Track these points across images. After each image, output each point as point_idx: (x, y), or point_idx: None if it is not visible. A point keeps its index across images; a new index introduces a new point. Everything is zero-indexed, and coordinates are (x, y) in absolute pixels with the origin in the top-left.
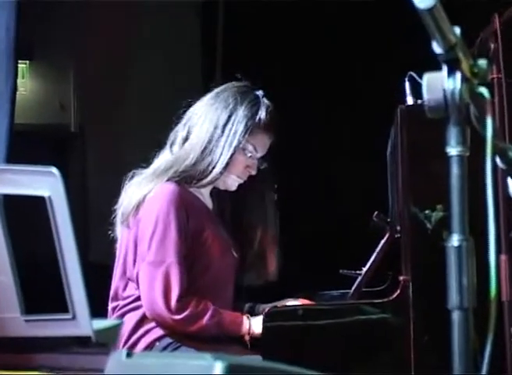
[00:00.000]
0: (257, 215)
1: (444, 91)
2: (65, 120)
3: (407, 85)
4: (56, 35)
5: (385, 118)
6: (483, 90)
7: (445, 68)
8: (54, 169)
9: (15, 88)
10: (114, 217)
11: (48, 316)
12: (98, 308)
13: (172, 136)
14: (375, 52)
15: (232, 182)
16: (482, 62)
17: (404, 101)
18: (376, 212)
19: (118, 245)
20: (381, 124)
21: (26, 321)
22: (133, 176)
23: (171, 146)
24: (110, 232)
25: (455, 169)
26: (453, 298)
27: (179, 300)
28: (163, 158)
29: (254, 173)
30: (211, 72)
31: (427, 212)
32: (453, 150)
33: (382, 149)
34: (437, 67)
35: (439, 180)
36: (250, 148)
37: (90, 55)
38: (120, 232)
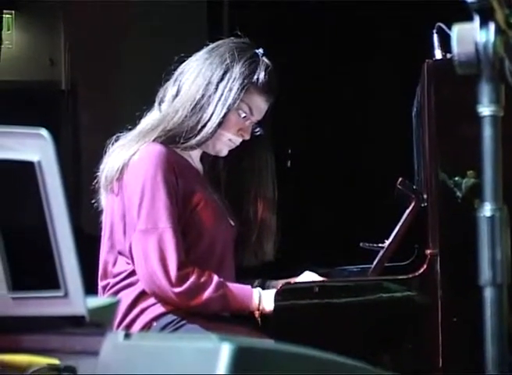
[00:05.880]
0: (253, 183)
1: (476, 43)
2: (56, 77)
3: (435, 37)
4: None
5: (410, 74)
6: None
7: (477, 18)
8: (43, 131)
9: None
10: (96, 183)
11: (37, 293)
12: (93, 285)
13: (160, 93)
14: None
15: (222, 146)
16: None
17: (432, 55)
18: (400, 179)
19: (103, 215)
20: (406, 81)
21: (14, 299)
22: (117, 140)
23: (159, 104)
24: (94, 201)
25: (488, 131)
26: (486, 273)
27: (179, 269)
28: (150, 118)
29: (247, 137)
30: (218, 23)
31: (457, 178)
32: (485, 109)
33: (407, 109)
34: (468, 17)
35: (470, 144)
36: (246, 108)
37: (83, 3)
38: (105, 200)
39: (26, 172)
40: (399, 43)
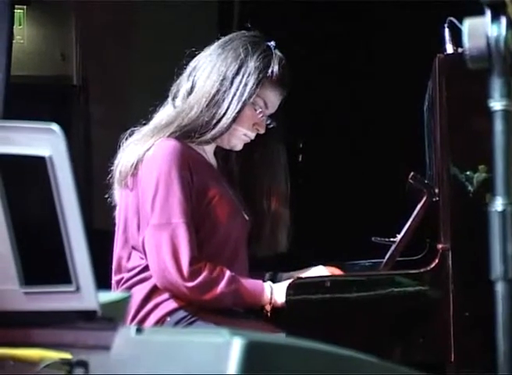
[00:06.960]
0: (266, 177)
1: (487, 38)
2: (67, 72)
3: (447, 32)
4: None
5: (421, 68)
6: None
7: (488, 12)
8: (54, 126)
9: (11, 37)
10: (110, 178)
11: (49, 288)
12: (105, 280)
13: (174, 88)
14: None
15: (237, 140)
16: None
17: (443, 49)
18: (412, 174)
19: (117, 210)
20: (417, 76)
21: (26, 294)
22: (131, 135)
23: (173, 99)
24: (107, 196)
25: (499, 125)
26: (497, 267)
27: (191, 264)
28: (165, 113)
29: (262, 131)
30: (228, 20)
31: (468, 173)
32: (497, 104)
33: (419, 104)
34: (479, 12)
35: (482, 138)
36: (261, 103)
37: None
38: (119, 195)
39: (37, 167)
40: (411, 37)
